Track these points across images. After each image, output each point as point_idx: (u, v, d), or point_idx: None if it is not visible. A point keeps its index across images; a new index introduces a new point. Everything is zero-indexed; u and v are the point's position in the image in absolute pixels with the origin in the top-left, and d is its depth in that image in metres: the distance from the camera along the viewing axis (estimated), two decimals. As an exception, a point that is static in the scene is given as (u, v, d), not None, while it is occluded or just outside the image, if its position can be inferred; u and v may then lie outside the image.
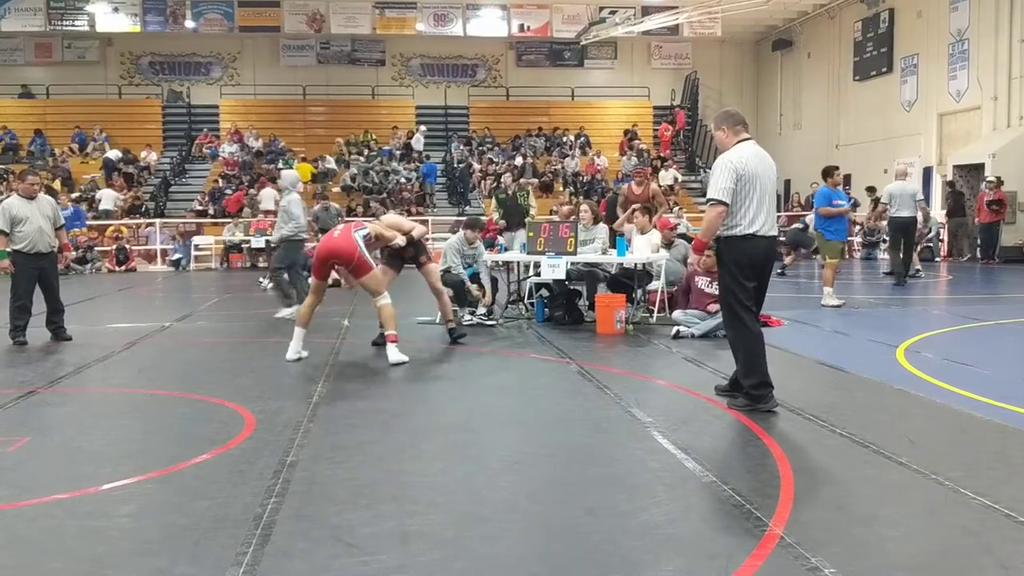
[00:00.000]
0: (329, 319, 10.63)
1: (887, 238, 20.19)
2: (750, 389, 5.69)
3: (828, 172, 11.92)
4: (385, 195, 26.08)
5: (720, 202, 5.53)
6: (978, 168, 20.39)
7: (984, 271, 17.77)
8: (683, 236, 13.51)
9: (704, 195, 27.48)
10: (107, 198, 24.39)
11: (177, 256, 22.40)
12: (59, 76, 30.17)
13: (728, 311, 5.81)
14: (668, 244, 10.87)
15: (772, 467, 4.45)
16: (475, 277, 10.40)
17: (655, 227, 10.40)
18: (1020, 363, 7.40)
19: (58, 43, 30.23)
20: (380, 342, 8.25)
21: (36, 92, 30.22)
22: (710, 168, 24.38)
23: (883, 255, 21.79)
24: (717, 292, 8.77)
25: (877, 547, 3.43)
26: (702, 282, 9.00)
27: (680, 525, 3.70)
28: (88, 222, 22.73)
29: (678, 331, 8.87)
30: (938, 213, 21.31)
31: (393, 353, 7.59)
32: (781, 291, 13.96)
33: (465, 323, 9.72)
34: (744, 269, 5.64)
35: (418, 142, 29.33)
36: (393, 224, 8.60)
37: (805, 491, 4.06)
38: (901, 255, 14.36)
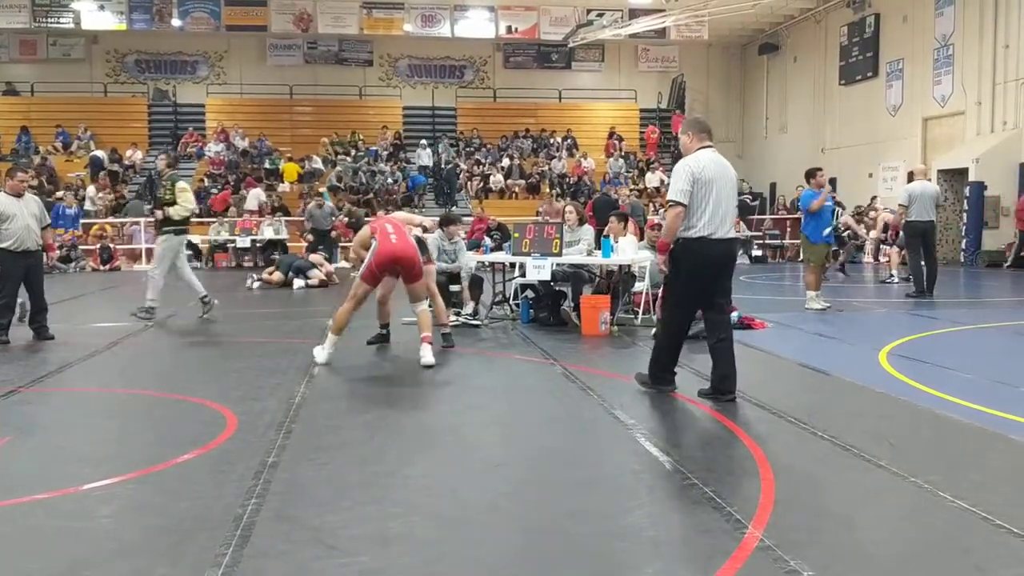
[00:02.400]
0: (313, 319, 10.61)
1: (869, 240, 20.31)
2: (655, 370, 6.25)
3: (811, 174, 11.64)
4: (372, 195, 26.03)
5: (678, 203, 5.81)
6: (962, 173, 20.52)
7: (967, 275, 17.87)
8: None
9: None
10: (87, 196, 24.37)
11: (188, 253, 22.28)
12: (44, 74, 29.98)
13: (665, 304, 6.40)
14: (652, 246, 10.89)
15: (753, 469, 4.47)
16: (455, 278, 10.43)
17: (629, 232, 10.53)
18: (1000, 367, 7.45)
19: (43, 40, 30.03)
20: (376, 341, 8.54)
21: (21, 90, 30.02)
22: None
23: (867, 258, 21.93)
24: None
25: (856, 550, 3.45)
26: None
27: (661, 527, 3.71)
28: (84, 221, 22.82)
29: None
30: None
31: (428, 354, 7.49)
32: (765, 294, 14.02)
33: (451, 323, 9.70)
34: (693, 270, 5.95)
35: (423, 156, 28.57)
36: (406, 220, 8.66)
37: (786, 494, 4.08)
38: (922, 263, 13.07)
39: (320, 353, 7.62)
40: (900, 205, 13.39)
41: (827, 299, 11.67)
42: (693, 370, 7.20)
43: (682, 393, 6.33)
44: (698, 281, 5.99)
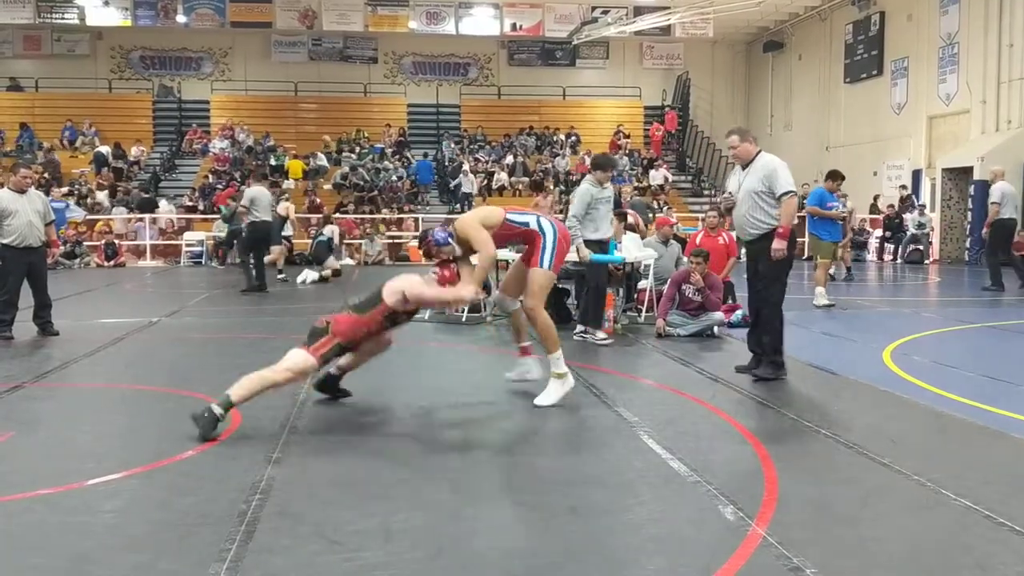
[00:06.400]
0: (318, 316, 10.60)
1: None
2: (779, 358, 6.75)
3: (832, 175, 11.77)
4: (376, 192, 26.06)
5: (795, 194, 6.73)
6: (967, 171, 20.48)
7: (972, 273, 17.83)
8: (675, 237, 13.54)
9: (694, 195, 27.49)
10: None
11: (197, 250, 22.30)
12: (48, 69, 30.00)
13: (778, 292, 6.83)
14: (665, 241, 10.88)
15: (756, 467, 4.47)
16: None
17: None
18: (1005, 365, 7.45)
19: (47, 36, 30.07)
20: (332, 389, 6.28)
21: (25, 85, 30.05)
22: (700, 168, 24.33)
23: (871, 256, 21.93)
24: (701, 299, 8.96)
25: (859, 547, 3.45)
26: (689, 290, 9.09)
27: (663, 524, 3.71)
28: (91, 216, 22.89)
29: (662, 330, 8.92)
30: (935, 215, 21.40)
31: (536, 370, 6.34)
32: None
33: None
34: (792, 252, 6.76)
35: (465, 183, 26.62)
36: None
37: (789, 491, 4.08)
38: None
39: (565, 381, 5.96)
40: (993, 203, 13.82)
41: (832, 297, 11.66)
42: (697, 368, 7.21)
43: (683, 391, 6.34)
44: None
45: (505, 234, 6.00)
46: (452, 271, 5.87)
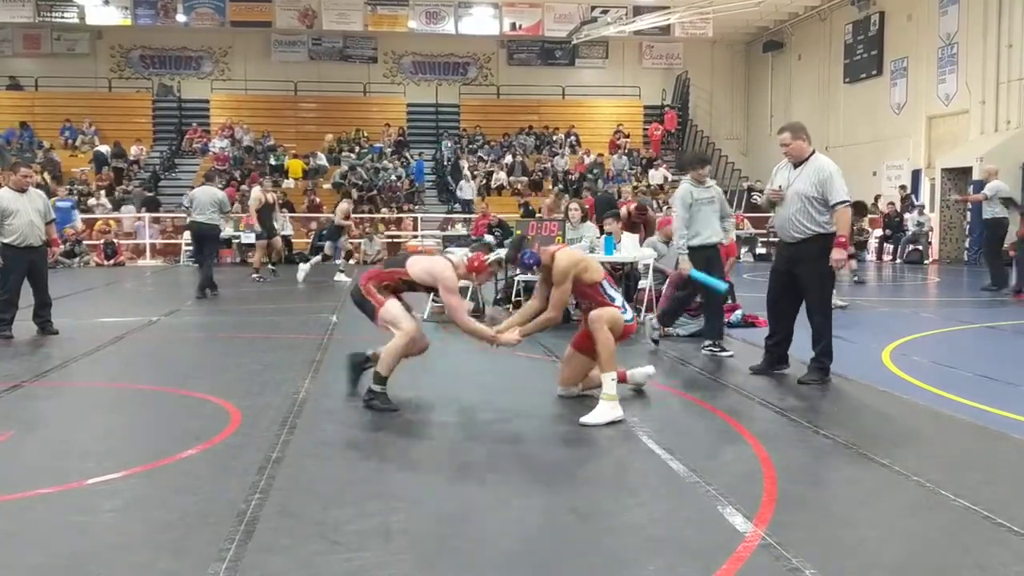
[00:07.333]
0: (317, 315, 10.62)
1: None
2: (827, 362, 6.63)
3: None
4: (376, 192, 26.05)
5: (850, 203, 6.59)
6: (966, 172, 20.48)
7: (972, 273, 17.84)
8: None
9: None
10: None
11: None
12: (48, 68, 29.95)
13: (828, 299, 6.78)
14: (667, 240, 10.87)
15: (756, 468, 4.48)
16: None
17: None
18: (1004, 366, 7.45)
19: (47, 35, 30.04)
20: None
21: (24, 84, 30.02)
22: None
23: (870, 256, 21.92)
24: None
25: (858, 548, 3.45)
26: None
27: (663, 525, 3.72)
28: (91, 216, 22.90)
29: (661, 331, 8.92)
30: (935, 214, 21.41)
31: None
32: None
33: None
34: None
35: (467, 190, 26.30)
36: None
37: (788, 492, 4.09)
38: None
39: (616, 407, 5.50)
40: (985, 195, 13.95)
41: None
42: (696, 368, 7.22)
43: (683, 391, 6.34)
44: None
45: (586, 292, 5.88)
46: (482, 261, 6.06)
